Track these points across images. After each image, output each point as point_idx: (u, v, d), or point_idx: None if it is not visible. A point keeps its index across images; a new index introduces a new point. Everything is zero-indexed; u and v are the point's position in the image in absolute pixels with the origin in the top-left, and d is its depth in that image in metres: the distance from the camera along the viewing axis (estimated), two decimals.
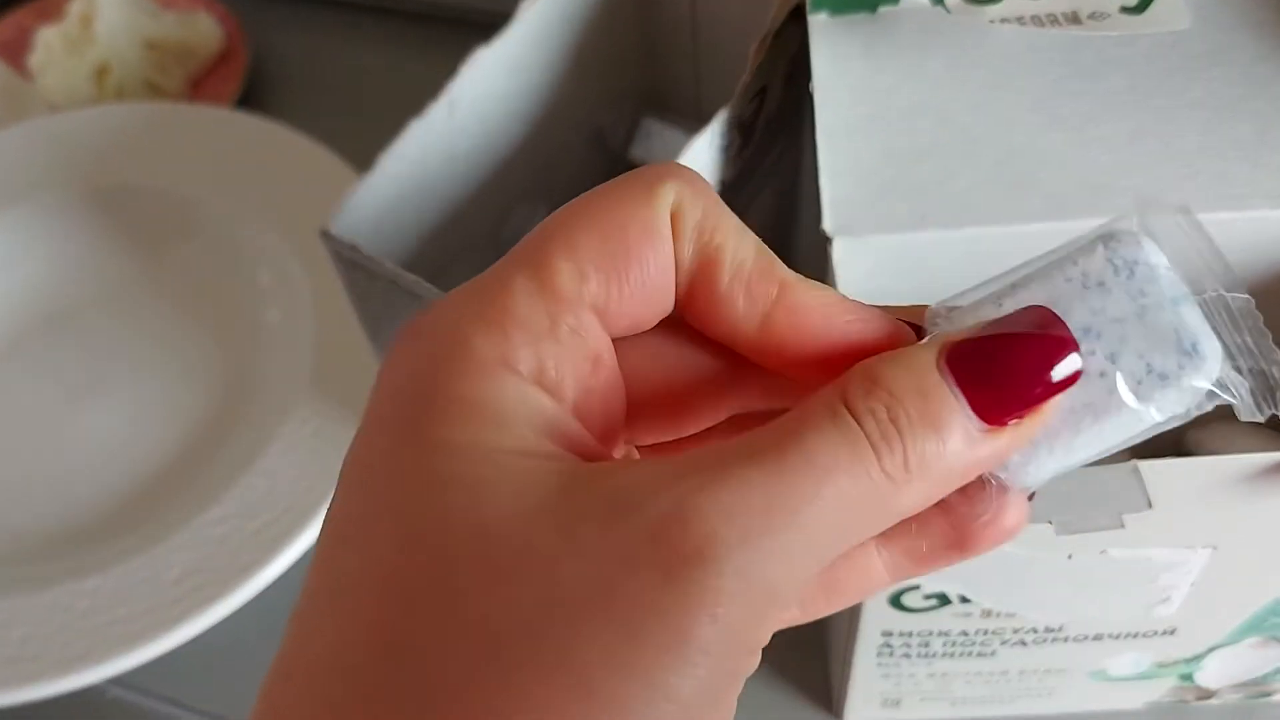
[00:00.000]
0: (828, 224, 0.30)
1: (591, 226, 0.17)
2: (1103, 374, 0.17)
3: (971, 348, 0.16)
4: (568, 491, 0.15)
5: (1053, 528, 0.28)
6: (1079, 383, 0.16)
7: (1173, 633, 0.33)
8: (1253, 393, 0.17)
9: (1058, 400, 0.16)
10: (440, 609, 0.15)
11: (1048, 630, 0.33)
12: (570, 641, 0.14)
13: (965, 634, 0.33)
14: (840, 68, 0.33)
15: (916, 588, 0.31)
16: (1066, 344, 0.16)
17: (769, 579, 0.15)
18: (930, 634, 0.33)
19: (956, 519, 0.18)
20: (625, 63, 0.45)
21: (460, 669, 0.14)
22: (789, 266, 0.18)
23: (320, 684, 0.15)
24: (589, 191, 0.17)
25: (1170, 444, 0.38)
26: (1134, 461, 0.27)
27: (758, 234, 0.18)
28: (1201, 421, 0.37)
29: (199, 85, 0.61)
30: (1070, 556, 0.29)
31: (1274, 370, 0.17)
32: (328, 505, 0.17)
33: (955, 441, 0.16)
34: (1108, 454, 0.17)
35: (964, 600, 0.31)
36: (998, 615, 0.32)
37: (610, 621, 0.14)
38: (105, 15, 0.59)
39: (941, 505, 0.17)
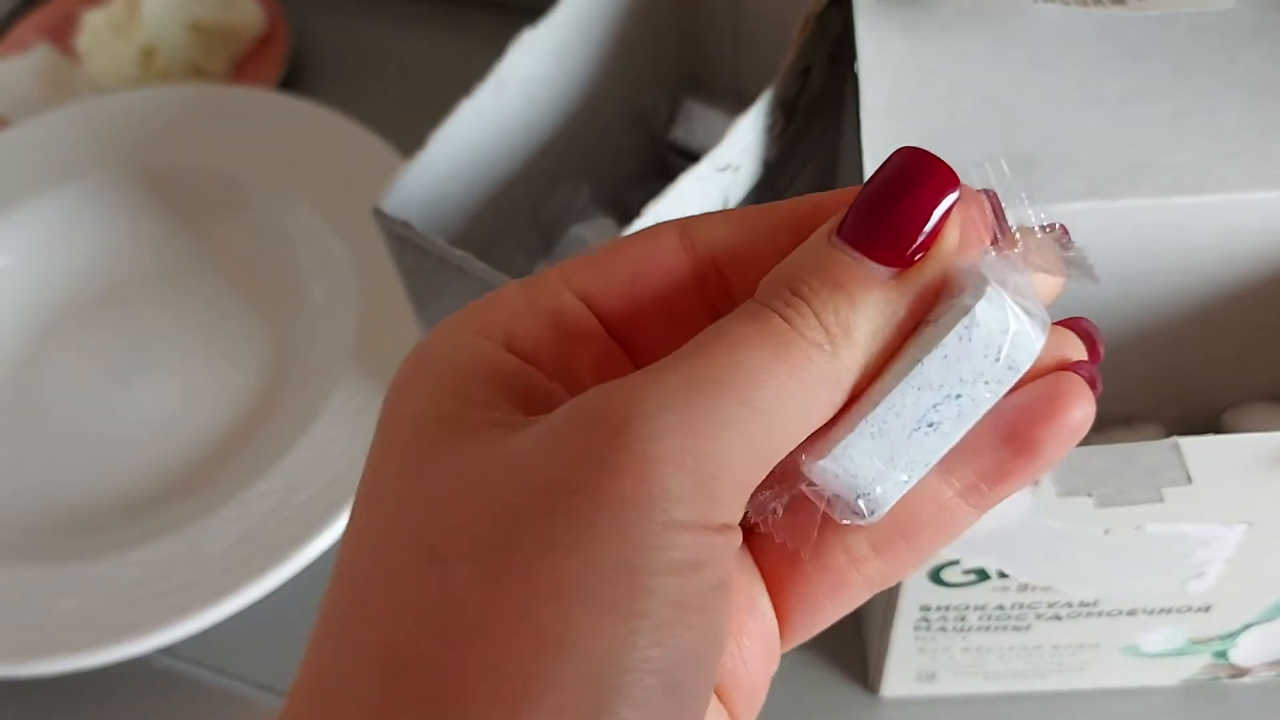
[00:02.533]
0: None
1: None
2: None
3: (853, 212, 0.16)
4: (518, 445, 0.16)
5: (1092, 501, 0.28)
6: None
7: (1207, 609, 0.33)
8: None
9: (955, 221, 0.16)
10: (434, 609, 0.15)
11: (1083, 605, 0.33)
12: (522, 555, 0.15)
13: (1001, 608, 0.33)
14: (884, 48, 0.34)
15: (956, 563, 0.31)
16: (943, 173, 0.16)
17: (703, 451, 0.15)
18: (967, 608, 0.33)
19: (1012, 422, 0.17)
20: (667, 45, 0.45)
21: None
22: None
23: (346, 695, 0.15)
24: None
25: (1206, 424, 0.39)
26: (1174, 438, 0.27)
27: None
28: (1236, 402, 0.37)
29: (241, 68, 0.62)
30: (1107, 531, 0.30)
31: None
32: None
33: (867, 295, 0.16)
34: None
35: (1002, 575, 0.32)
36: (1034, 589, 0.32)
37: (554, 519, 0.15)
38: None
39: (993, 414, 0.17)
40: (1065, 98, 0.33)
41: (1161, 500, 0.28)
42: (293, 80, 0.62)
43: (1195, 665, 0.37)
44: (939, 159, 0.16)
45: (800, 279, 0.16)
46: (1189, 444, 0.27)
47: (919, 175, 0.16)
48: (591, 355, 0.18)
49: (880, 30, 0.34)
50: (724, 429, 0.15)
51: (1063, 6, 0.35)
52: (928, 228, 0.16)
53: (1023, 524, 0.29)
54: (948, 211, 0.16)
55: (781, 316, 0.16)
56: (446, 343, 0.18)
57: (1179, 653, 0.36)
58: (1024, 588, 0.32)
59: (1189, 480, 0.27)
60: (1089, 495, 0.28)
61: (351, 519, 0.17)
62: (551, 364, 0.18)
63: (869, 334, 0.16)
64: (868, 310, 0.16)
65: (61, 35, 0.63)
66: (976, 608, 0.33)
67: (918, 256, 0.16)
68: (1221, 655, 0.37)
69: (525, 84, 0.37)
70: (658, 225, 0.19)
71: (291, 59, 0.62)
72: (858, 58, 0.33)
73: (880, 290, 0.16)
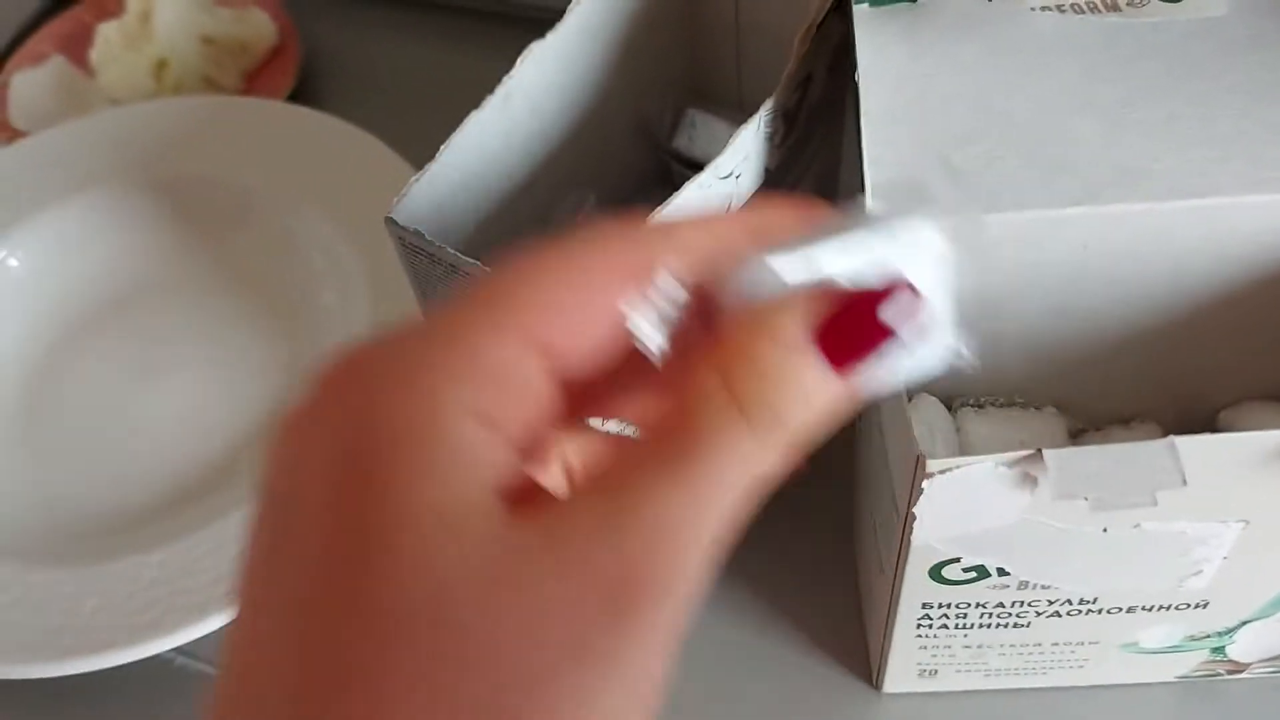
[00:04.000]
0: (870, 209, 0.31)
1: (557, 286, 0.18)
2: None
3: (836, 325, 0.18)
4: (515, 551, 0.16)
5: (1088, 504, 0.28)
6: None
7: (1205, 606, 0.34)
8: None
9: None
10: (405, 688, 0.15)
11: (1081, 602, 0.34)
12: (546, 695, 0.15)
13: (1001, 605, 0.34)
14: (883, 56, 0.34)
15: (956, 560, 0.32)
16: (916, 299, 0.18)
17: (692, 575, 0.17)
18: (968, 605, 0.34)
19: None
20: (670, 56, 0.46)
21: None
22: None
23: None
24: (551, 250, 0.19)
25: (1202, 423, 0.39)
26: (1170, 437, 0.28)
27: None
28: (1232, 402, 0.38)
29: (253, 80, 0.63)
30: (1104, 530, 0.30)
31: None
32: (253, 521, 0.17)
33: (819, 399, 0.18)
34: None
35: (1001, 572, 0.32)
36: (1033, 587, 0.33)
37: (575, 669, 0.15)
38: (163, 11, 0.61)
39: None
40: (1061, 103, 0.33)
41: (1155, 503, 0.28)
42: (303, 92, 0.62)
43: (1193, 661, 0.38)
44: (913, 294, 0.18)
45: (778, 389, 0.17)
46: (1185, 443, 0.28)
47: (902, 303, 0.18)
48: (541, 412, 0.18)
49: (879, 39, 0.35)
50: (706, 551, 0.17)
51: (1059, 14, 0.35)
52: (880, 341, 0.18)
53: (1020, 522, 0.30)
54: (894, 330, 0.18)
55: (754, 432, 0.17)
56: (438, 424, 0.16)
57: (1177, 649, 0.37)
58: (1024, 585, 0.33)
59: (1184, 481, 0.28)
60: (1085, 498, 0.28)
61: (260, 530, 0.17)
62: (523, 446, 0.17)
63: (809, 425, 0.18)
64: (815, 416, 0.18)
65: (76, 48, 0.64)
66: (977, 605, 0.34)
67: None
68: (1219, 651, 0.37)
69: (532, 95, 0.38)
70: (617, 246, 0.19)
71: (302, 71, 0.62)
72: (857, 66, 0.34)
73: (824, 391, 0.18)
